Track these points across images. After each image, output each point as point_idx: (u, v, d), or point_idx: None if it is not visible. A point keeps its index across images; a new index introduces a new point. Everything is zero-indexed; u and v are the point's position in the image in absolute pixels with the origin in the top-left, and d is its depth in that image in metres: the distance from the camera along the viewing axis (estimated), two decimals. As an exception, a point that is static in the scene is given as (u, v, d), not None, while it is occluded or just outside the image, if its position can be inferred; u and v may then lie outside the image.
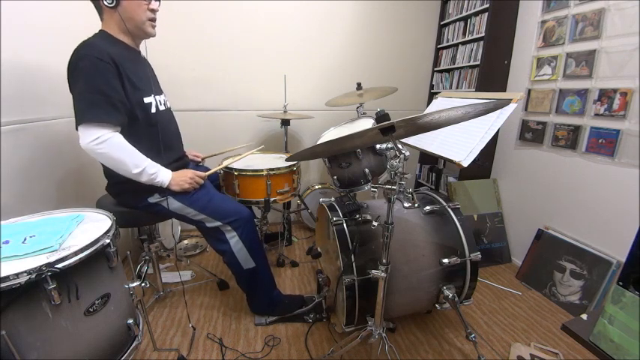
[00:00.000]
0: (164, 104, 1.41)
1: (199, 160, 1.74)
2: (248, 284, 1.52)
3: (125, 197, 1.36)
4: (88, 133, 1.12)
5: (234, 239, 1.39)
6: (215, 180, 1.74)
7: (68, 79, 1.16)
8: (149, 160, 1.24)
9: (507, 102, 0.98)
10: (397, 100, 2.45)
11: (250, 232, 1.42)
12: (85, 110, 1.12)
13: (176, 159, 1.45)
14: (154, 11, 1.26)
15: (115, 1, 1.16)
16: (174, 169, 1.35)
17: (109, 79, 1.14)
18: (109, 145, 1.15)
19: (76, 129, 1.14)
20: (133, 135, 1.23)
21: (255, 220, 1.57)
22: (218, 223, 1.37)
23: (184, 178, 1.33)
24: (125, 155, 1.18)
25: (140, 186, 1.27)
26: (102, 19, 1.24)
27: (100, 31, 1.24)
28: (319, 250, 1.66)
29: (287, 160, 1.13)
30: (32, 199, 1.34)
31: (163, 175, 1.28)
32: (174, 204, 1.35)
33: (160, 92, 1.41)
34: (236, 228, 1.38)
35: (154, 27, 1.29)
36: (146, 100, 1.28)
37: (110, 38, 1.23)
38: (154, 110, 1.31)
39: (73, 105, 1.14)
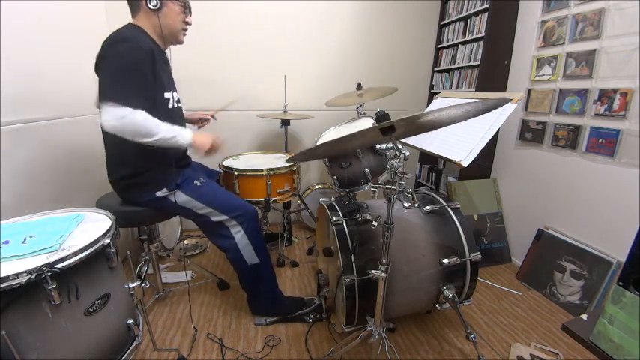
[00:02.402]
0: (176, 102, 1.44)
1: (209, 117, 1.75)
2: (251, 281, 1.52)
3: (132, 192, 1.37)
4: (112, 111, 1.12)
5: (239, 234, 1.41)
6: (215, 177, 1.75)
7: (102, 62, 1.18)
8: (164, 125, 1.22)
9: (507, 100, 0.97)
10: (397, 100, 2.45)
11: (255, 228, 1.44)
12: (114, 90, 1.14)
13: (180, 158, 1.46)
14: (187, 23, 1.34)
15: (159, 6, 1.22)
16: (178, 167, 1.38)
17: (145, 66, 1.19)
18: (129, 122, 1.14)
19: (97, 106, 1.17)
20: None
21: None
22: (224, 217, 1.38)
23: (206, 141, 1.30)
24: (142, 130, 1.18)
25: (146, 180, 1.31)
26: (134, 16, 1.28)
27: (129, 23, 1.27)
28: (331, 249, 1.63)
29: (288, 161, 1.13)
30: (32, 199, 1.34)
31: (183, 140, 1.26)
32: (181, 197, 1.36)
33: (174, 89, 1.44)
34: (241, 223, 1.40)
35: (184, 36, 1.37)
36: (166, 95, 1.34)
37: (143, 32, 1.27)
38: (170, 106, 1.35)
39: (102, 85, 1.17)
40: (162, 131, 1.20)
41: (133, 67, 1.16)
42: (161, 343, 1.44)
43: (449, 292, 1.32)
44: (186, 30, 1.35)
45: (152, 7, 1.22)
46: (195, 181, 1.41)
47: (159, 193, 1.35)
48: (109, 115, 1.13)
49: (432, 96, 2.76)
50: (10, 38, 1.24)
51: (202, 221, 1.41)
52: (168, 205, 1.37)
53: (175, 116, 1.38)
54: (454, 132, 1.35)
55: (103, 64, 1.18)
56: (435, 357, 1.40)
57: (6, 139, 1.21)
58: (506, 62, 2.14)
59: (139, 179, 1.31)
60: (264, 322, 1.56)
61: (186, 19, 1.32)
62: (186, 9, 1.31)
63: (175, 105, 1.41)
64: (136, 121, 1.15)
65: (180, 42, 1.37)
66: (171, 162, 1.34)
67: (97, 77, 1.20)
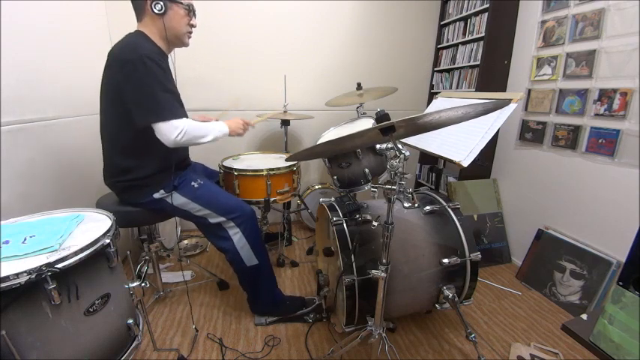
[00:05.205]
0: None
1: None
2: (251, 282, 1.52)
3: (130, 193, 1.37)
4: (172, 128, 1.21)
5: (237, 236, 1.41)
6: (215, 178, 1.74)
7: (125, 76, 1.18)
8: (210, 125, 1.35)
9: (507, 102, 0.98)
10: (397, 100, 2.45)
11: (253, 229, 1.44)
12: (165, 108, 1.21)
13: (182, 159, 1.48)
14: (192, 26, 1.35)
15: (164, 10, 1.23)
16: (177, 169, 1.38)
17: (170, 74, 1.26)
18: (188, 135, 1.25)
19: (147, 124, 1.21)
20: (151, 132, 1.24)
21: (255, 219, 1.57)
22: (221, 219, 1.39)
23: (238, 124, 1.47)
24: (198, 135, 1.30)
25: (146, 182, 1.32)
26: (139, 20, 1.28)
27: (136, 31, 1.28)
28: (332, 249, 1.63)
29: (287, 160, 1.14)
30: (32, 199, 1.34)
31: (224, 131, 1.40)
32: (178, 199, 1.37)
33: None
34: (239, 224, 1.40)
35: (189, 38, 1.38)
36: None
37: (148, 39, 1.28)
38: None
39: (139, 102, 1.19)
40: (210, 130, 1.33)
41: (165, 78, 1.22)
42: (161, 343, 1.44)
43: (449, 292, 1.32)
44: (191, 33, 1.36)
45: (157, 12, 1.23)
46: (193, 183, 1.41)
47: (156, 195, 1.35)
48: (171, 134, 1.21)
49: (432, 96, 2.76)
50: (11, 38, 1.24)
51: (200, 223, 1.42)
52: (165, 206, 1.37)
53: None
54: (454, 132, 1.35)
55: (131, 80, 1.17)
56: (435, 357, 1.40)
57: (6, 139, 1.21)
58: (506, 62, 2.14)
59: (137, 181, 1.32)
60: (264, 322, 1.56)
61: (191, 22, 1.33)
62: (191, 12, 1.32)
63: None
64: (192, 129, 1.26)
65: (186, 44, 1.38)
66: (171, 164, 1.34)
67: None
